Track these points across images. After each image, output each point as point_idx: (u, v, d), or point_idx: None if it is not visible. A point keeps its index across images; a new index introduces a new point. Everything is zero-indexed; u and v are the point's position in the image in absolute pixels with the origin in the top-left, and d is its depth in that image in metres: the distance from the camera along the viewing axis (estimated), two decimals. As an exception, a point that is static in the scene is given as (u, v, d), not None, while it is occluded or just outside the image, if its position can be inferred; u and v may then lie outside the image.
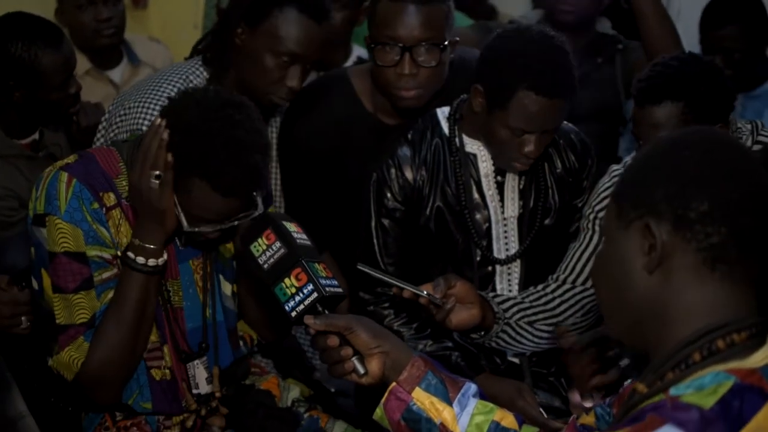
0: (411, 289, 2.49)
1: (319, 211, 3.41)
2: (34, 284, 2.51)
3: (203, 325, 2.63)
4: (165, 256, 2.47)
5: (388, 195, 3.03)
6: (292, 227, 2.20)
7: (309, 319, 2.07)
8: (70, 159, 2.53)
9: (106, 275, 2.47)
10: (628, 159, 2.93)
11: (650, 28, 3.58)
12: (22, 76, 3.18)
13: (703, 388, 1.52)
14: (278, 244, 2.15)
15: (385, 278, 2.45)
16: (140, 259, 2.43)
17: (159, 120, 2.41)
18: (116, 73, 4.38)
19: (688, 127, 1.73)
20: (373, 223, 3.04)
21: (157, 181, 2.40)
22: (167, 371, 2.57)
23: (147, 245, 2.44)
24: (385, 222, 3.04)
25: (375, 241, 3.04)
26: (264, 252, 2.16)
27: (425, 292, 2.50)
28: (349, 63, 4.38)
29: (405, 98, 3.20)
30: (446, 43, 3.14)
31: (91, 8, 4.32)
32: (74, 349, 2.45)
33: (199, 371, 2.62)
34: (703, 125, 2.86)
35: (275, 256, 2.15)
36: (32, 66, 3.18)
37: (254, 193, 2.46)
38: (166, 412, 2.61)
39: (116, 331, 2.43)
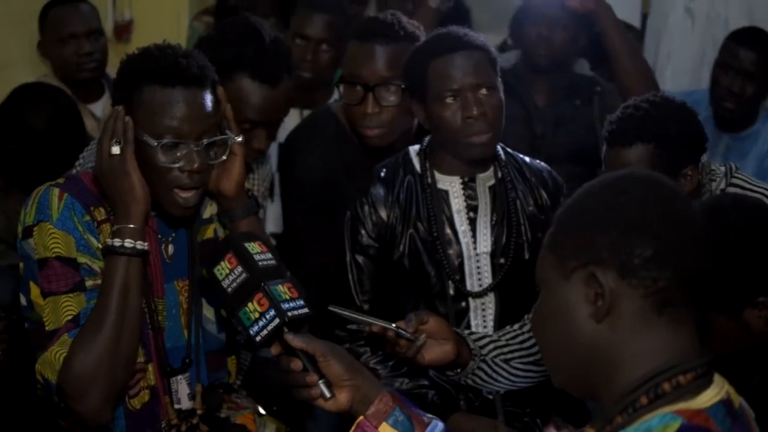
0: (379, 324, 2.49)
1: (318, 247, 3.44)
2: (23, 301, 2.50)
3: (186, 345, 2.63)
4: (146, 244, 2.46)
5: (362, 232, 3.05)
6: (255, 248, 2.19)
7: (288, 335, 2.09)
8: (59, 180, 2.55)
9: (95, 283, 2.46)
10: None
11: (620, 63, 3.62)
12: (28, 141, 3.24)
13: (650, 430, 1.53)
14: (240, 268, 2.15)
15: (354, 316, 2.46)
16: (118, 241, 2.42)
17: (116, 108, 2.48)
18: (98, 107, 4.40)
19: (617, 171, 1.73)
20: (347, 260, 3.06)
21: (118, 147, 2.43)
22: (146, 393, 2.56)
23: (126, 225, 2.43)
24: (359, 258, 3.06)
25: (350, 277, 3.06)
26: (227, 276, 2.16)
27: (394, 326, 2.50)
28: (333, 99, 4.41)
29: (369, 136, 3.28)
30: None
31: (73, 42, 4.37)
32: (58, 345, 2.41)
33: (181, 386, 2.62)
34: (673, 167, 2.89)
35: (237, 281, 2.15)
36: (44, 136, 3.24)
37: (208, 101, 2.48)
38: None
39: (99, 323, 2.40)
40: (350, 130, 3.41)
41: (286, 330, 2.10)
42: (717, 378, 1.63)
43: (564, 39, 4.18)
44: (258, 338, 2.12)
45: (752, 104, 4.31)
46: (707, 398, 1.58)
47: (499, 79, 3.03)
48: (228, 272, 2.16)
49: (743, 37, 4.37)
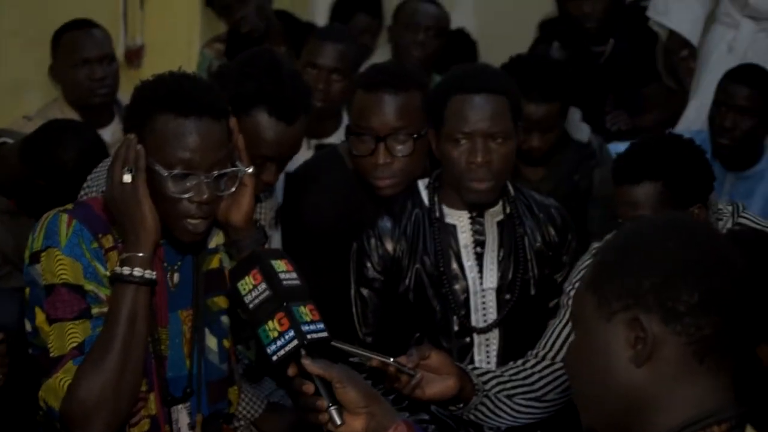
0: (378, 358, 2.48)
1: (320, 287, 3.42)
2: (27, 327, 2.48)
3: (188, 375, 2.61)
4: (155, 274, 2.45)
5: (368, 265, 3.05)
6: (281, 266, 2.18)
7: (306, 360, 2.08)
8: (68, 206, 2.54)
9: (100, 311, 2.45)
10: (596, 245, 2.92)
11: None
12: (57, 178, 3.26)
13: None
14: (264, 285, 2.14)
15: (355, 350, 2.45)
16: (128, 269, 2.41)
17: (129, 136, 2.47)
18: (107, 132, 4.40)
19: (664, 213, 1.72)
20: (352, 293, 3.06)
21: (129, 175, 2.42)
22: (147, 422, 2.54)
23: (136, 254, 2.43)
24: (365, 291, 3.06)
25: (354, 309, 3.06)
26: (250, 291, 2.15)
27: (392, 360, 2.49)
28: (341, 128, 4.41)
29: (381, 187, 3.23)
30: (422, 132, 3.16)
31: (86, 67, 4.38)
32: (63, 372, 2.40)
33: (182, 416, 2.59)
34: (681, 206, 2.88)
35: (260, 297, 2.14)
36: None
37: (221, 133, 2.48)
38: None
39: (105, 351, 2.38)
40: (357, 177, 3.37)
41: (303, 352, 2.09)
42: (749, 429, 1.61)
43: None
44: (275, 357, 2.11)
45: (750, 140, 4.29)
46: None
47: (520, 124, 3.02)
48: (251, 288, 2.15)
49: (736, 74, 4.38)
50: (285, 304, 2.12)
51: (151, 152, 2.45)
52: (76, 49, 4.41)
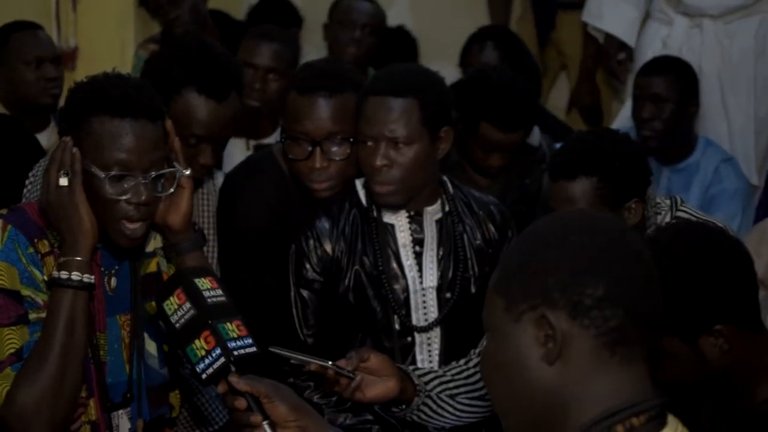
0: (316, 362, 2.47)
1: (258, 289, 3.42)
2: None
3: (128, 380, 2.59)
4: (93, 278, 2.43)
5: (307, 266, 3.03)
6: (205, 284, 2.17)
7: (233, 377, 2.07)
8: (2, 211, 2.52)
9: (38, 316, 2.43)
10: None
11: None
12: None
13: None
14: (188, 304, 2.13)
15: (294, 355, 2.45)
16: (65, 274, 2.40)
17: (64, 139, 2.46)
18: (44, 137, 4.35)
19: (563, 211, 1.72)
20: (292, 294, 3.04)
21: (66, 179, 2.42)
22: (87, 427, 2.52)
23: (73, 258, 2.41)
24: (304, 293, 3.04)
25: (294, 311, 3.04)
26: (176, 311, 2.14)
27: (330, 363, 2.49)
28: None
29: (317, 190, 3.21)
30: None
31: (39, 66, 4.34)
32: (1, 378, 2.39)
33: (123, 421, 2.58)
34: (618, 200, 2.90)
35: (185, 317, 2.13)
36: None
37: (157, 134, 2.47)
38: None
39: (44, 356, 2.37)
40: (292, 179, 3.36)
41: (232, 369, 2.09)
42: (671, 419, 1.62)
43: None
44: (204, 375, 2.11)
45: (673, 130, 4.33)
46: None
47: (444, 128, 3.01)
48: (177, 307, 2.15)
49: (650, 66, 4.45)
50: (210, 322, 2.11)
51: (88, 155, 2.44)
52: (29, 48, 4.37)
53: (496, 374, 1.69)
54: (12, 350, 2.41)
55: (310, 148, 3.17)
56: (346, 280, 3.02)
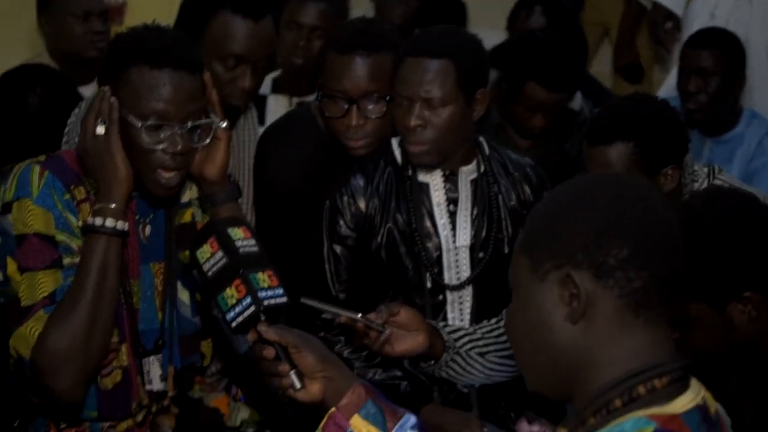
0: (346, 314, 2.49)
1: (293, 247, 3.43)
2: None
3: (160, 328, 2.63)
4: (127, 225, 2.47)
5: (341, 222, 3.05)
6: (238, 233, 2.18)
7: (262, 326, 2.07)
8: (41, 157, 2.55)
9: (72, 261, 2.46)
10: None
11: None
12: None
13: None
14: (220, 253, 2.14)
15: (324, 307, 2.46)
16: (99, 220, 2.43)
17: (103, 88, 2.49)
18: (88, 90, 4.39)
19: (592, 174, 1.72)
20: (325, 250, 3.07)
21: (103, 127, 2.45)
22: (119, 372, 2.56)
23: (108, 205, 2.44)
24: (337, 248, 3.06)
25: (327, 266, 3.06)
26: (208, 260, 2.15)
27: (360, 316, 2.50)
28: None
29: (353, 148, 3.22)
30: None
31: (87, 20, 4.39)
32: (33, 321, 2.42)
33: (154, 367, 2.61)
34: (654, 166, 2.88)
35: (218, 265, 2.14)
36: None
37: (195, 85, 2.49)
38: (112, 418, 2.59)
39: (76, 301, 2.40)
40: (329, 136, 3.38)
41: (262, 318, 2.10)
42: (693, 383, 1.62)
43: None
44: (234, 324, 2.12)
45: (719, 103, 4.30)
46: (682, 403, 1.57)
47: (481, 89, 3.02)
48: (209, 256, 2.15)
49: (698, 38, 4.41)
50: (242, 271, 2.12)
51: (125, 104, 2.46)
52: (77, 3, 4.43)
53: (520, 333, 1.69)
54: (45, 293, 2.44)
55: (346, 106, 3.19)
56: (379, 237, 3.04)
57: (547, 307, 1.63)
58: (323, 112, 3.27)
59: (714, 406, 1.65)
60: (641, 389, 1.57)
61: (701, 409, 1.59)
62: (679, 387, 1.59)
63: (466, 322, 3.04)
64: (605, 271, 1.59)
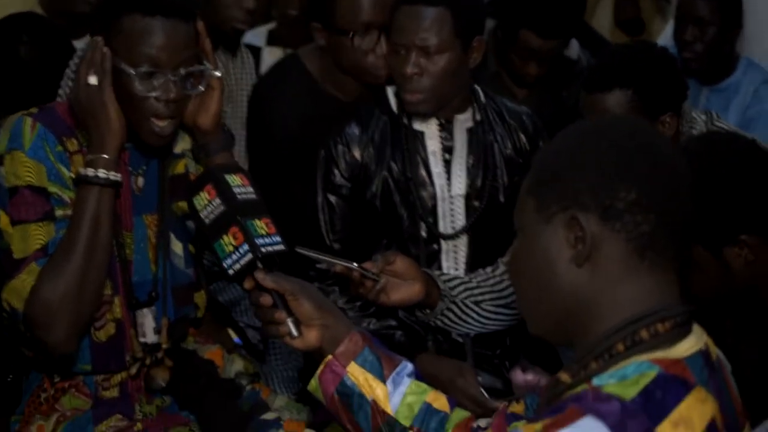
0: (342, 263, 2.48)
1: (288, 198, 3.43)
2: None
3: (153, 279, 2.61)
4: (119, 176, 2.45)
5: (335, 171, 3.04)
6: (236, 180, 2.18)
7: (259, 273, 2.07)
8: (33, 109, 2.53)
9: (65, 213, 2.45)
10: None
11: None
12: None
13: (625, 378, 1.51)
14: (218, 200, 2.14)
15: (319, 256, 2.45)
16: (92, 171, 2.42)
17: (95, 38, 2.47)
18: (81, 45, 4.35)
19: (601, 117, 1.70)
20: (319, 200, 3.05)
21: (95, 77, 2.43)
22: (112, 325, 2.55)
23: (100, 155, 2.43)
24: (332, 198, 3.05)
25: (321, 216, 3.05)
26: (205, 206, 2.15)
27: (355, 265, 2.49)
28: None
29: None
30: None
31: None
32: (26, 273, 2.40)
33: (147, 320, 2.60)
34: (653, 113, 2.87)
35: (215, 212, 2.14)
36: None
37: (188, 33, 2.48)
38: (106, 371, 2.58)
39: (68, 252, 2.40)
40: (328, 74, 3.40)
41: (259, 265, 2.09)
42: (696, 328, 1.62)
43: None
44: (231, 271, 2.11)
45: (715, 52, 4.27)
46: (685, 348, 1.57)
47: (478, 37, 3.00)
48: (207, 203, 2.15)
49: None
50: (239, 218, 2.12)
51: (118, 52, 2.44)
52: None
53: (524, 274, 1.69)
54: (38, 246, 2.42)
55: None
56: (374, 186, 3.03)
57: (551, 249, 1.62)
58: (313, 58, 3.27)
59: (715, 351, 1.64)
60: (644, 333, 1.56)
61: (703, 353, 1.59)
62: (681, 332, 1.58)
63: (461, 272, 3.03)
64: (612, 214, 1.58)
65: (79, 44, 4.14)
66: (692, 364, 1.55)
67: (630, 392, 1.49)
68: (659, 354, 1.54)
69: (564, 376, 1.60)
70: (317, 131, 3.24)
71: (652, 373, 1.51)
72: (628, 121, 1.72)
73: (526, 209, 1.66)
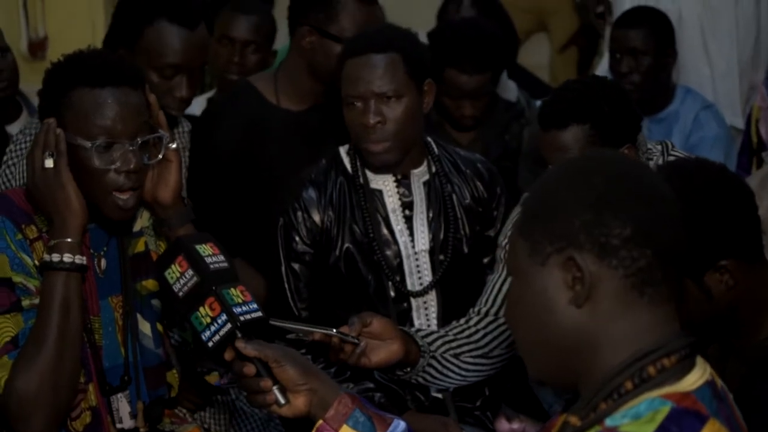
0: (320, 331, 2.44)
1: (233, 217, 3.44)
2: None
3: (124, 363, 2.56)
4: (84, 259, 2.41)
5: (297, 239, 3.01)
6: (206, 250, 2.15)
7: (240, 343, 2.04)
8: None
9: (31, 303, 2.40)
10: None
11: None
12: None
13: (639, 416, 1.49)
14: (190, 272, 2.11)
15: (296, 327, 2.44)
16: (57, 256, 2.38)
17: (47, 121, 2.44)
18: (15, 127, 4.27)
19: (586, 153, 1.69)
20: (283, 269, 3.02)
21: (51, 160, 2.39)
22: (88, 414, 2.50)
23: (64, 240, 2.39)
24: (295, 266, 3.02)
25: (286, 285, 3.01)
26: (178, 279, 2.12)
27: (335, 331, 2.45)
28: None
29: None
30: None
31: None
32: None
33: (122, 405, 2.55)
34: (610, 147, 2.86)
35: (188, 284, 2.11)
36: None
37: (140, 100, 2.46)
38: None
39: (40, 342, 2.35)
40: (275, 89, 3.49)
41: (238, 335, 2.05)
42: (699, 359, 1.61)
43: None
44: (210, 344, 2.08)
45: (652, 81, 4.31)
46: (692, 380, 1.55)
47: (427, 80, 3.00)
48: (179, 276, 2.12)
49: (625, 19, 4.42)
50: (214, 288, 2.09)
51: (72, 129, 2.42)
52: None
53: (522, 319, 1.66)
54: (8, 338, 2.38)
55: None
56: (337, 250, 3.00)
57: (549, 291, 1.60)
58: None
59: (719, 380, 1.63)
60: (651, 369, 1.55)
61: (711, 384, 1.58)
62: (687, 364, 1.57)
63: (434, 327, 3.01)
64: (609, 251, 1.56)
65: (13, 127, 4.11)
66: (702, 397, 1.54)
67: (647, 429, 1.47)
68: (669, 389, 1.53)
69: (573, 419, 1.58)
70: (267, 141, 3.34)
71: (665, 409, 1.49)
72: (610, 155, 1.71)
73: (518, 253, 1.64)
